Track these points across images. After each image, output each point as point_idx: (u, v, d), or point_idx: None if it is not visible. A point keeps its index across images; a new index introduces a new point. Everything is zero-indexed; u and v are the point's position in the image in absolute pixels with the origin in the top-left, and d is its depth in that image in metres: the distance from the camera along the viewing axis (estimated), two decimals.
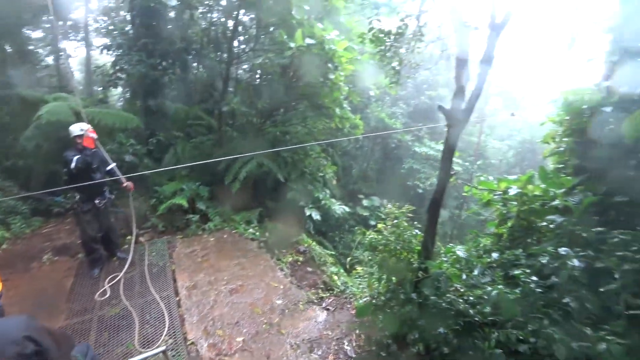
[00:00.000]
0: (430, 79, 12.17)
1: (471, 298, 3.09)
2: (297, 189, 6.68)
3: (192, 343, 3.74)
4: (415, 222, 3.98)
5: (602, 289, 2.53)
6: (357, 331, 3.80)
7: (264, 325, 3.93)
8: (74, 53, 12.42)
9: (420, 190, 10.50)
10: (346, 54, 5.90)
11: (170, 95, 7.36)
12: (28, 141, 6.14)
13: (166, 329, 3.91)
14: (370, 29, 5.03)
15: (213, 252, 5.38)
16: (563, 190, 3.54)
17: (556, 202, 3.43)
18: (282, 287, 4.59)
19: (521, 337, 2.58)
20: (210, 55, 8.57)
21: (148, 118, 7.12)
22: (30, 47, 9.72)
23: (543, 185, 3.70)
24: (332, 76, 6.15)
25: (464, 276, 3.34)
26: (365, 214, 9.25)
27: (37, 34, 10.15)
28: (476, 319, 2.90)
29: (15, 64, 8.52)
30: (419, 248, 3.43)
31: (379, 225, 3.87)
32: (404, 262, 3.32)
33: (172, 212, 6.04)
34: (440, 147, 10.84)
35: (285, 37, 5.59)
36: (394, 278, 3.43)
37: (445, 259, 3.42)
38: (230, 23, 7.54)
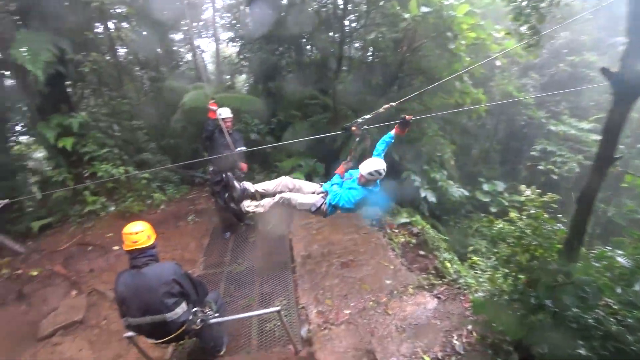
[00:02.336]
0: (572, 41, 9.83)
1: (629, 320, 2.45)
2: (412, 168, 6.39)
3: (303, 307, 4.01)
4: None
5: None
6: (470, 327, 3.48)
7: (371, 303, 3.95)
8: (206, 48, 14.41)
9: (554, 177, 8.76)
10: (467, 19, 5.20)
11: (287, 77, 7.81)
12: (176, 123, 7.46)
13: (282, 291, 4.31)
14: None
15: (327, 226, 5.58)
16: None
17: None
18: (392, 267, 4.52)
19: None
20: (323, 36, 8.72)
21: (269, 100, 7.75)
22: (174, 48, 11.70)
23: None
24: (451, 46, 5.54)
25: (619, 290, 2.66)
26: (486, 199, 8.27)
27: (178, 36, 12.13)
28: (633, 347, 2.30)
29: (165, 62, 10.34)
30: (559, 247, 2.88)
31: (512, 215, 3.36)
32: (538, 260, 2.83)
33: None
34: (585, 125, 8.87)
35: (398, 7, 5.22)
36: (522, 276, 2.98)
37: (596, 264, 2.78)
38: (340, 2, 7.46)
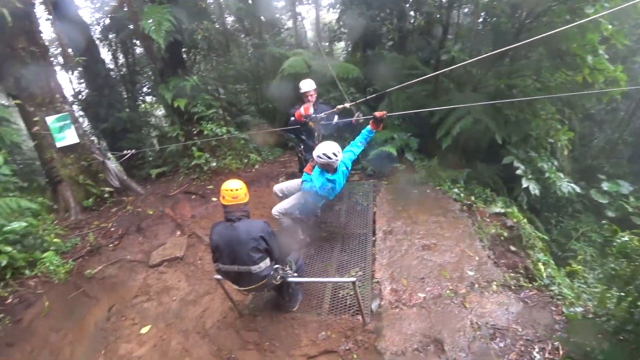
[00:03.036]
0: None
1: None
2: (516, 154, 5.70)
3: (377, 282, 4.02)
4: None
5: None
6: (557, 344, 3.07)
7: (448, 291, 3.78)
8: (307, 15, 14.38)
9: None
10: None
11: (387, 45, 7.43)
12: (275, 89, 7.79)
13: (359, 261, 4.39)
14: None
15: (414, 204, 5.40)
16: None
17: None
18: (477, 258, 4.20)
19: None
20: (429, 0, 7.97)
21: (366, 68, 7.51)
22: (277, 15, 11.95)
23: None
24: (589, 10, 4.58)
25: None
26: (602, 200, 6.93)
27: (280, 4, 12.36)
28: None
29: (267, 29, 10.73)
30: None
31: None
32: None
33: (381, 159, 6.31)
34: None
35: None
36: None
37: None
38: None
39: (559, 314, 3.44)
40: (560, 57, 5.58)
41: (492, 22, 7.19)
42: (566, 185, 5.53)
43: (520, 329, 3.26)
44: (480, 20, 7.73)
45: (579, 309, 3.36)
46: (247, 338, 3.63)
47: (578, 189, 5.69)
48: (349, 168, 4.24)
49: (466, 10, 8.26)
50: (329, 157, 3.80)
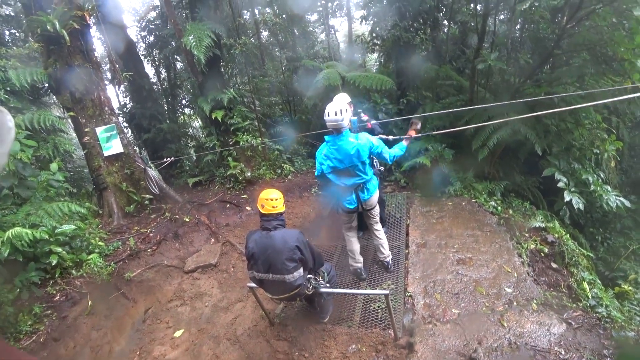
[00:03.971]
0: None
1: None
2: (557, 165, 5.43)
3: (410, 296, 3.95)
4: None
5: None
6: None
7: (484, 308, 3.64)
8: (339, 27, 14.66)
9: None
10: None
11: (420, 55, 7.40)
12: (309, 101, 7.96)
13: (391, 275, 4.34)
14: None
15: (448, 216, 5.28)
16: None
17: None
18: (515, 275, 4.03)
19: None
20: (463, 9, 7.85)
21: (400, 79, 7.51)
22: (310, 29, 12.20)
23: None
24: (638, 12, 4.35)
25: None
26: None
27: (314, 17, 12.65)
28: None
29: (301, 43, 10.99)
30: None
31: None
32: None
33: (415, 170, 6.29)
34: None
35: None
36: None
37: None
38: None
39: (607, 337, 3.21)
40: (606, 63, 5.29)
41: (531, 29, 6.96)
42: (614, 199, 5.16)
43: (563, 352, 3.07)
44: (518, 27, 7.51)
45: (631, 334, 3.13)
46: (277, 347, 3.66)
47: (628, 203, 5.29)
48: (365, 150, 3.56)
49: (502, 17, 8.07)
50: (325, 116, 3.49)
